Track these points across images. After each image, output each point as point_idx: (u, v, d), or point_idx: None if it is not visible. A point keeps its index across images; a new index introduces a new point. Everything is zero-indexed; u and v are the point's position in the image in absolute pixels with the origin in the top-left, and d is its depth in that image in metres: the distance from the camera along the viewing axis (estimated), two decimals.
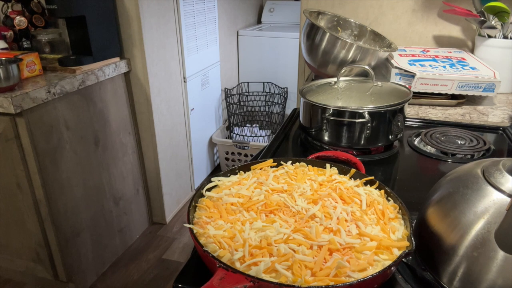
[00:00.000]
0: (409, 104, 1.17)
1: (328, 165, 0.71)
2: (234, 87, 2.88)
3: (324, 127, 0.90)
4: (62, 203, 1.55)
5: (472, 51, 1.44)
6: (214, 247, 0.50)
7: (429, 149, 0.94)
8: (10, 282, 1.76)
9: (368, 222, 0.56)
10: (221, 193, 0.62)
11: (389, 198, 0.62)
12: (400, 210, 0.59)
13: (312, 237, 0.52)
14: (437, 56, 1.32)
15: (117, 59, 1.76)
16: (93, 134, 1.68)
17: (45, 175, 1.45)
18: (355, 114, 0.87)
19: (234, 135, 2.76)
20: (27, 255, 1.64)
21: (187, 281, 0.55)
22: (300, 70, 1.76)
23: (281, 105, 2.82)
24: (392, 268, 0.48)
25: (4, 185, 1.48)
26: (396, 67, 1.23)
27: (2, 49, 1.62)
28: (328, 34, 1.19)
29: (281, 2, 3.18)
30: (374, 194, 0.63)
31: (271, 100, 2.86)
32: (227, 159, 2.66)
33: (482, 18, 1.29)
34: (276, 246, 0.50)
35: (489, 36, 1.31)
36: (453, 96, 1.21)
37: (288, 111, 2.83)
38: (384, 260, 0.50)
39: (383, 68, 1.33)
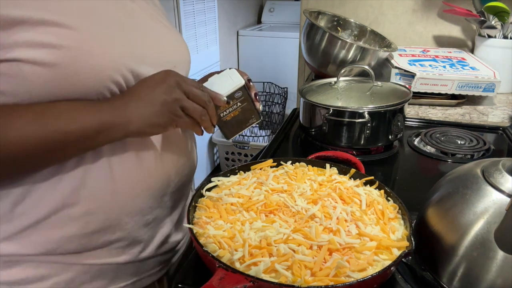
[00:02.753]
0: (409, 104, 1.17)
1: (328, 165, 0.71)
2: None
3: (324, 127, 0.90)
4: None
5: (472, 51, 1.44)
6: (214, 247, 0.50)
7: (429, 149, 0.94)
8: None
9: (368, 222, 0.56)
10: (221, 193, 0.62)
11: (389, 198, 0.62)
12: (399, 210, 0.59)
13: (312, 237, 0.52)
14: (437, 56, 1.32)
15: None
16: None
17: None
18: (355, 114, 0.87)
19: None
20: None
21: (187, 281, 0.55)
22: (300, 70, 1.76)
23: (281, 105, 2.82)
24: (391, 268, 0.48)
25: None
26: (396, 67, 1.23)
27: None
28: (328, 34, 1.19)
29: (281, 2, 3.19)
30: (374, 194, 0.63)
31: (271, 100, 2.86)
32: (227, 159, 2.66)
33: (482, 18, 1.29)
34: (276, 246, 0.50)
35: (489, 36, 1.31)
36: (453, 96, 1.21)
37: (288, 111, 2.82)
38: (384, 260, 0.49)
39: (383, 68, 1.33)
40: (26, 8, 0.46)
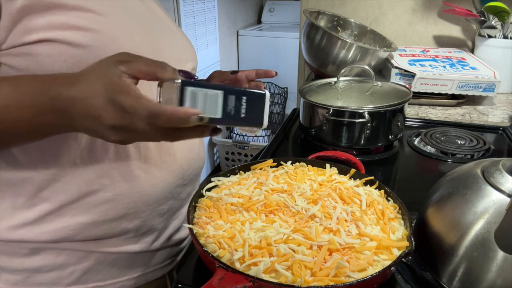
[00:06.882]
0: (409, 104, 1.17)
1: (328, 165, 0.71)
2: None
3: (324, 127, 0.90)
4: None
5: (472, 51, 1.44)
6: (214, 247, 0.50)
7: (429, 149, 0.94)
8: None
9: (368, 222, 0.56)
10: (221, 193, 0.62)
11: (389, 198, 0.62)
12: (400, 210, 0.59)
13: (312, 237, 0.52)
14: (437, 56, 1.32)
15: None
16: None
17: None
18: (355, 114, 0.87)
19: (234, 135, 2.76)
20: None
21: (187, 281, 0.55)
22: (300, 70, 1.76)
23: (281, 105, 2.82)
24: (391, 268, 0.48)
25: None
26: (396, 67, 1.23)
27: None
28: (328, 34, 1.19)
29: (281, 2, 3.18)
30: (374, 194, 0.63)
31: (271, 100, 2.86)
32: (227, 159, 2.66)
33: (482, 18, 1.29)
34: (276, 246, 0.50)
35: (489, 36, 1.31)
36: (453, 96, 1.21)
37: (288, 111, 2.82)
38: (384, 260, 0.49)
39: (383, 68, 1.33)
40: None
